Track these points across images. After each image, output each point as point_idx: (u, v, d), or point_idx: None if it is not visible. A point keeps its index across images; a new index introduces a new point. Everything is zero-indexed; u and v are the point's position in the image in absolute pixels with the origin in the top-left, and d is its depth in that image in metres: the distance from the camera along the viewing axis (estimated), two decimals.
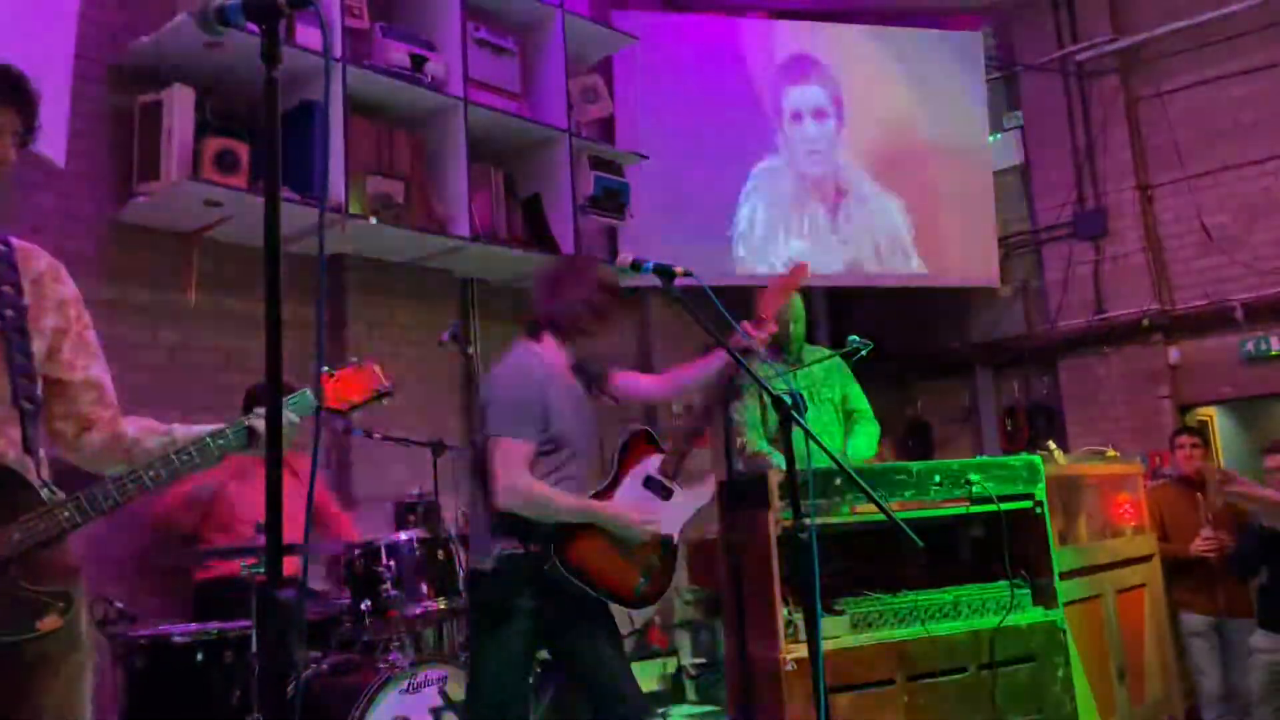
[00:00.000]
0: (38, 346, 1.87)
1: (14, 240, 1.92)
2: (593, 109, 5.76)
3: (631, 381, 3.04)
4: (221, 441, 1.83)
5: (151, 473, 1.77)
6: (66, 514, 1.72)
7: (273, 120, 1.30)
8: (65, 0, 3.78)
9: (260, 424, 1.83)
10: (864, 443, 4.04)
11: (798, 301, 4.18)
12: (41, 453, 1.84)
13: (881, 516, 2.24)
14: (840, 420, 4.11)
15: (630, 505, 2.76)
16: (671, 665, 5.15)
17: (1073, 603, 3.48)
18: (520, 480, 2.63)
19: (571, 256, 3.10)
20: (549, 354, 2.83)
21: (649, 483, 2.83)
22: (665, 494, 2.83)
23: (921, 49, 6.99)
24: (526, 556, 2.64)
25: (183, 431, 1.90)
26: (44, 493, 1.77)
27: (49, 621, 1.72)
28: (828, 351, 4.19)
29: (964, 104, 7.01)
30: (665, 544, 2.81)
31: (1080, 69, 6.95)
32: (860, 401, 4.16)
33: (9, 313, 1.83)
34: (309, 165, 4.15)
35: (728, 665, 3.16)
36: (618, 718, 2.69)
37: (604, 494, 2.78)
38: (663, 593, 2.82)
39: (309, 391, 1.89)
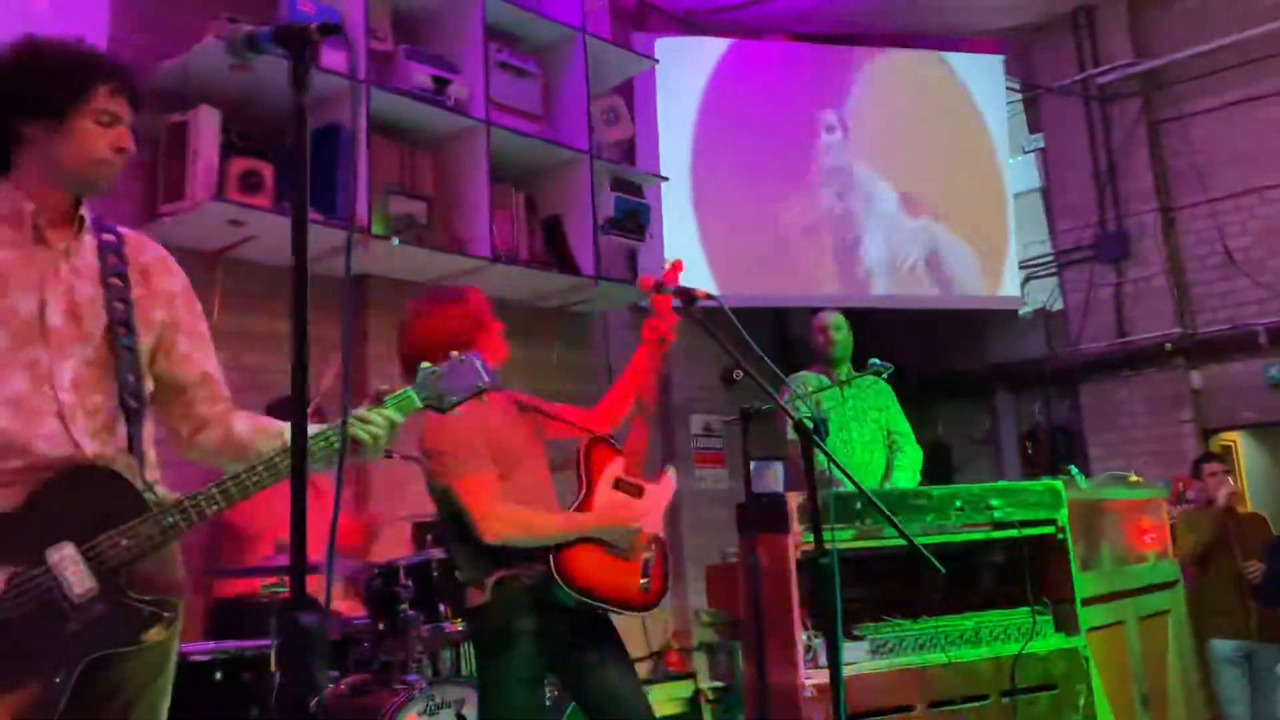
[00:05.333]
0: (145, 342, 1.81)
1: (123, 230, 1.87)
2: (613, 130, 5.78)
3: (568, 416, 3.00)
4: (324, 444, 1.72)
5: (254, 478, 1.69)
6: (172, 520, 1.65)
7: (301, 144, 1.31)
8: (94, 22, 3.84)
9: (359, 432, 1.74)
10: (907, 475, 4.07)
11: (837, 317, 4.22)
12: (151, 453, 1.79)
13: (902, 541, 2.23)
14: (884, 443, 4.12)
15: (613, 508, 2.75)
16: (689, 689, 5.12)
17: (1095, 629, 3.44)
18: (502, 509, 2.59)
19: (432, 290, 2.99)
20: None
21: (620, 485, 2.81)
22: (637, 492, 2.82)
23: (941, 72, 6.99)
24: (522, 580, 2.60)
25: (283, 436, 1.79)
26: (149, 496, 1.71)
27: (155, 633, 1.66)
28: (871, 379, 4.22)
29: (984, 127, 7.00)
30: (654, 540, 2.80)
31: (1101, 92, 6.93)
32: (903, 425, 4.18)
33: (118, 305, 1.77)
34: (333, 186, 4.20)
35: (746, 690, 3.14)
36: None
37: (583, 505, 2.75)
38: (665, 590, 2.79)
39: (413, 391, 1.81)
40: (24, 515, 1.62)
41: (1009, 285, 6.96)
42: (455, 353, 1.91)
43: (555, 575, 2.57)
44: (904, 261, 6.69)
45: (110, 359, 1.75)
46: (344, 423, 1.59)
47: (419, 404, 1.82)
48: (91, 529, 1.63)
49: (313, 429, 1.66)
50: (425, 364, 1.86)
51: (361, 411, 1.76)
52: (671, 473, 2.98)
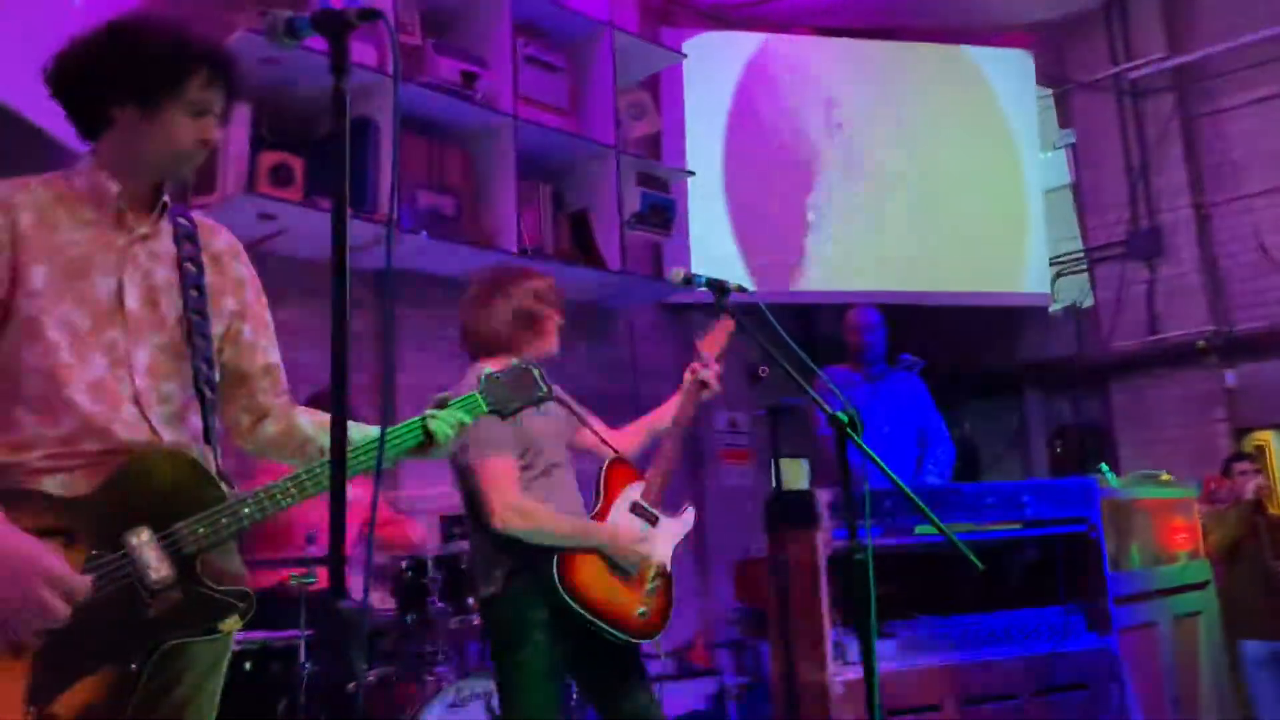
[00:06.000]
0: (217, 330, 1.80)
1: (195, 214, 1.85)
2: (640, 125, 5.77)
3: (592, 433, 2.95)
4: (396, 441, 1.72)
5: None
6: (248, 510, 1.63)
7: (341, 130, 1.31)
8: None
9: (435, 424, 1.75)
10: (936, 473, 4.05)
11: (872, 313, 4.19)
12: (218, 445, 1.77)
13: (934, 538, 2.21)
14: (916, 440, 4.11)
15: (626, 529, 2.69)
16: (714, 685, 5.11)
17: (1126, 629, 3.40)
18: (514, 498, 2.56)
19: (494, 267, 2.99)
20: None
21: (635, 509, 2.74)
22: (653, 520, 2.75)
23: (971, 66, 6.93)
24: (534, 571, 2.57)
25: (357, 431, 1.74)
26: (223, 486, 1.69)
27: (230, 623, 1.64)
28: (904, 375, 4.20)
29: (1014, 122, 6.94)
30: (660, 571, 2.72)
31: (1134, 87, 6.85)
32: (936, 422, 4.16)
33: (193, 292, 1.75)
34: (363, 181, 4.21)
35: (774, 687, 3.13)
36: None
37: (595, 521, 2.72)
38: (663, 625, 2.69)
39: (478, 395, 1.83)
40: (101, 498, 1.60)
41: (1028, 282, 6.89)
42: (516, 360, 1.94)
43: (556, 577, 2.53)
44: (931, 257, 6.64)
45: (184, 346, 1.73)
46: (383, 419, 1.58)
47: (484, 408, 1.84)
48: (168, 515, 1.61)
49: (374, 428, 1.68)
50: (487, 369, 1.89)
51: (435, 411, 1.78)
52: (691, 512, 2.89)
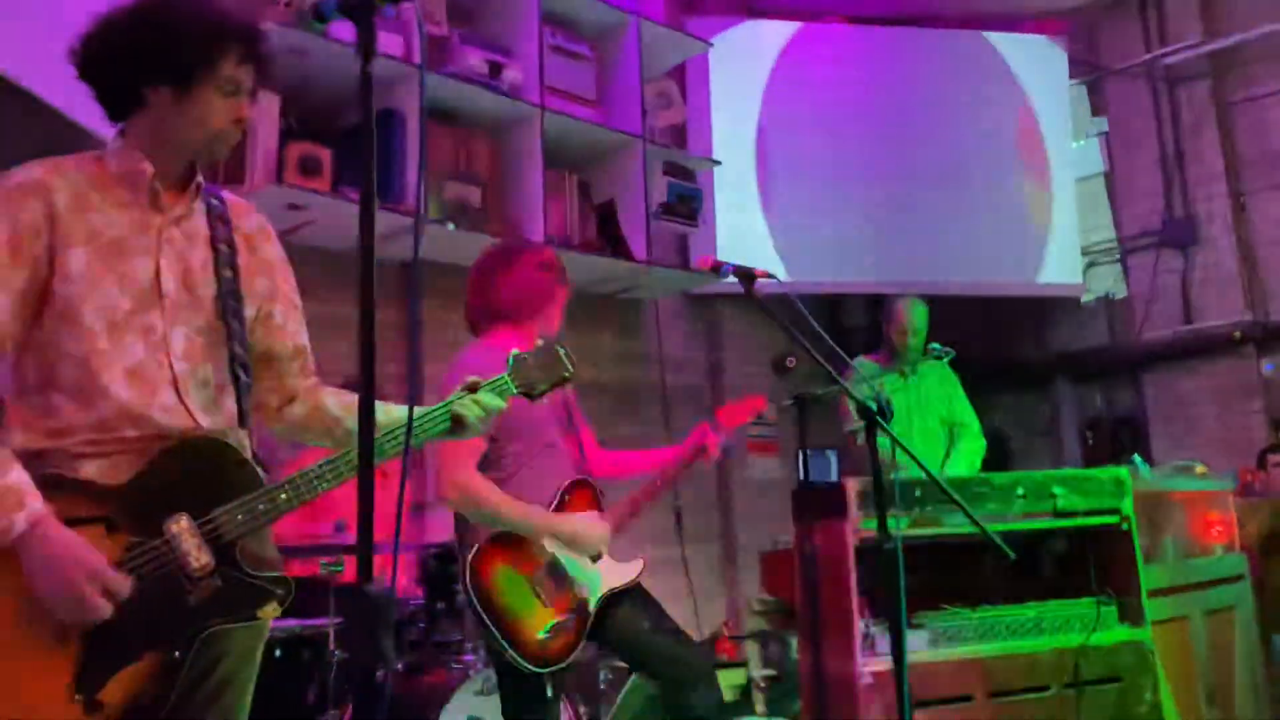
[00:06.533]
0: (249, 312, 1.79)
1: (225, 194, 1.84)
2: (666, 115, 5.75)
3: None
4: (427, 424, 1.72)
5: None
6: (284, 495, 1.64)
7: (368, 115, 1.30)
8: None
9: (463, 410, 1.75)
10: (963, 465, 4.00)
11: (920, 313, 4.14)
12: (252, 429, 1.77)
13: (963, 529, 2.18)
14: (945, 434, 4.06)
15: (580, 525, 2.62)
16: (741, 677, 5.10)
17: (1159, 622, 3.36)
18: (462, 475, 2.51)
19: (503, 242, 2.99)
20: (503, 346, 2.69)
21: None
22: (594, 556, 2.67)
23: (1002, 54, 6.85)
24: (463, 553, 2.54)
25: (383, 414, 1.73)
26: (259, 471, 1.69)
27: (270, 610, 1.65)
28: (934, 364, 4.15)
29: (1046, 109, 6.85)
30: (580, 608, 2.60)
31: (1168, 73, 6.74)
32: (966, 414, 4.11)
33: (226, 273, 1.74)
34: (390, 171, 4.22)
35: (802, 678, 3.12)
36: (676, 683, 2.59)
37: None
38: (564, 658, 2.52)
39: (507, 377, 1.83)
40: (140, 485, 1.61)
41: (1071, 271, 6.81)
42: (540, 340, 1.92)
43: (468, 565, 2.48)
44: (961, 247, 6.58)
45: (219, 328, 1.73)
46: (410, 402, 1.58)
47: (514, 390, 1.84)
48: (206, 502, 1.62)
49: (419, 409, 1.67)
50: (515, 350, 1.88)
51: (464, 394, 1.78)
52: (639, 564, 2.77)
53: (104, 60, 1.67)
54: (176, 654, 1.57)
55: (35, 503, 1.53)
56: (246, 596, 1.63)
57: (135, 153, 1.69)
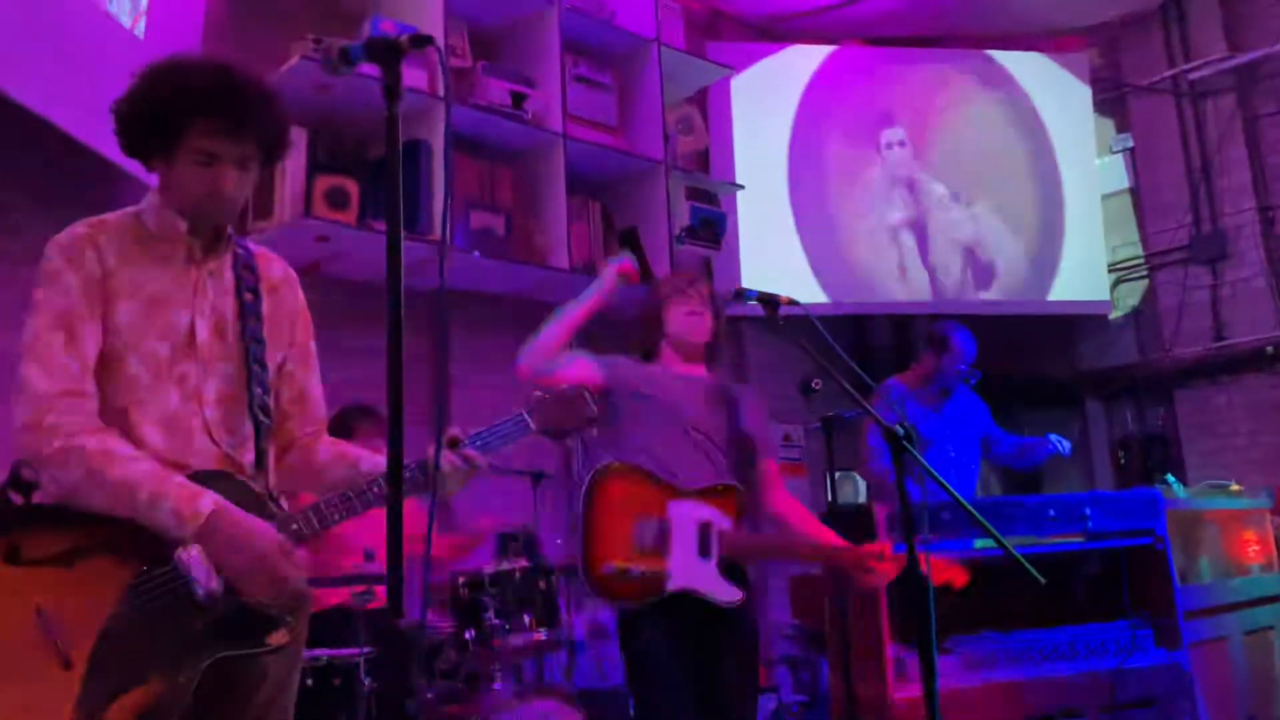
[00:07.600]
0: (272, 358, 1.85)
1: (252, 244, 1.91)
2: (688, 140, 5.78)
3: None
4: (408, 475, 1.71)
5: (377, 488, 1.71)
6: (296, 525, 1.70)
7: (394, 154, 1.33)
8: (189, 47, 3.96)
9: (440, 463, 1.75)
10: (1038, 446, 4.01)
11: (973, 344, 4.14)
12: (270, 470, 1.83)
13: (994, 552, 2.17)
14: (981, 451, 4.05)
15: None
16: (771, 702, 5.06)
17: (1196, 644, 3.31)
18: None
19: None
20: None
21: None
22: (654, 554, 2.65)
23: (1024, 72, 6.84)
24: None
25: (368, 464, 1.85)
26: (274, 506, 1.76)
27: (278, 636, 1.69)
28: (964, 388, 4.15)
29: (1069, 127, 6.83)
30: (654, 578, 2.60)
31: (1193, 88, 6.71)
32: (996, 431, 4.09)
33: (252, 321, 1.82)
34: (416, 202, 4.27)
35: (833, 704, 3.09)
36: None
37: None
38: (626, 601, 2.62)
39: (525, 414, 1.89)
40: None
41: (1098, 289, 6.76)
42: (565, 386, 2.04)
43: (592, 477, 2.67)
44: (988, 266, 6.56)
45: (244, 374, 1.79)
46: (438, 436, 1.60)
47: (532, 429, 1.92)
48: None
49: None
50: (536, 392, 1.95)
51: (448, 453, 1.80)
52: (740, 596, 2.68)
53: (116, 132, 1.77)
54: (181, 679, 1.60)
55: (210, 492, 1.63)
56: (254, 623, 1.66)
57: (168, 211, 1.77)
